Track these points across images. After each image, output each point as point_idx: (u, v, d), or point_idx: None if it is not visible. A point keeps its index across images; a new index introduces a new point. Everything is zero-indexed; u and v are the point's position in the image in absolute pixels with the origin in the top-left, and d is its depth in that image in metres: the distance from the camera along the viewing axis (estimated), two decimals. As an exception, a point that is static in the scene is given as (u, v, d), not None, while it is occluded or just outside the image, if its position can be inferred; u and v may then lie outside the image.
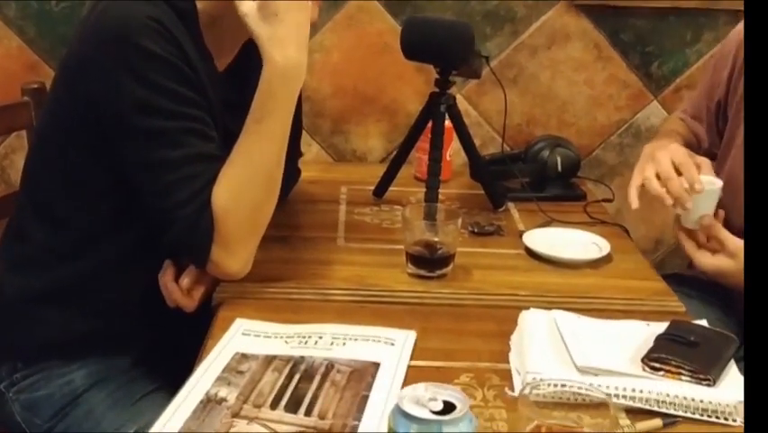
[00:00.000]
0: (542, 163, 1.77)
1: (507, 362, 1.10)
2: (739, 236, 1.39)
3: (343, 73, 1.89)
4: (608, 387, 0.99)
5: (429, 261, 1.31)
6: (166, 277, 1.27)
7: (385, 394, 0.99)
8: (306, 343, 1.10)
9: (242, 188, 1.19)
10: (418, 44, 1.41)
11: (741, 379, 1.02)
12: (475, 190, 1.72)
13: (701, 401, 0.98)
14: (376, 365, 1.05)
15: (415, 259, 1.32)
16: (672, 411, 0.98)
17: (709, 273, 1.42)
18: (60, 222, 1.29)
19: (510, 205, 1.67)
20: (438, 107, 1.50)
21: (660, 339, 1.08)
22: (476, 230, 1.52)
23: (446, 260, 1.31)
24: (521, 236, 1.49)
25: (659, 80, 1.93)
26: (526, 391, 0.96)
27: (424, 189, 1.72)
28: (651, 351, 1.05)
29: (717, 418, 0.98)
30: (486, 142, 1.94)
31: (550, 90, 1.92)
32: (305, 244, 1.43)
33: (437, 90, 1.51)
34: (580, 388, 0.96)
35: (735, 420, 0.97)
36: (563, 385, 0.97)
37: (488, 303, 1.27)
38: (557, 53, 1.91)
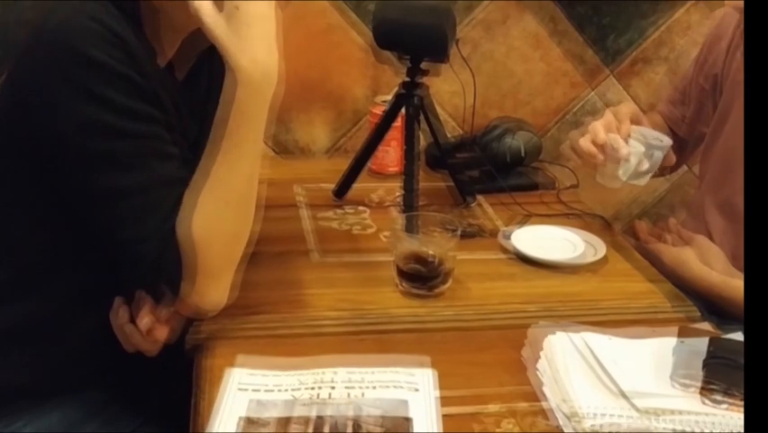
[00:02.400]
0: (504, 149, 1.66)
1: (543, 399, 0.99)
2: (736, 210, 1.41)
3: (282, 57, 1.70)
4: (663, 414, 0.90)
5: (426, 278, 1.17)
6: (120, 319, 1.09)
7: (430, 460, 0.86)
8: (318, 396, 0.95)
9: (220, 217, 1.01)
10: (396, 32, 1.26)
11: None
12: (434, 183, 1.60)
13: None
14: (407, 420, 0.91)
15: (409, 276, 1.18)
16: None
17: (669, 263, 1.39)
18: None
19: (480, 198, 1.55)
20: (412, 99, 1.35)
21: (712, 364, 0.98)
22: (456, 230, 1.39)
23: (445, 276, 1.18)
24: (505, 236, 1.38)
25: (615, 54, 1.85)
26: (583, 422, 0.87)
27: (383, 184, 1.60)
28: (707, 380, 0.96)
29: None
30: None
31: (505, 68, 1.80)
32: (275, 261, 1.26)
33: (409, 80, 1.36)
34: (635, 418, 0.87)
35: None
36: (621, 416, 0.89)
37: (496, 323, 1.15)
38: (512, 28, 1.78)
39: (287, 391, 0.96)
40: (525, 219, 1.47)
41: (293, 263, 1.26)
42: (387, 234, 1.38)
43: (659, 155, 1.35)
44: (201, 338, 1.08)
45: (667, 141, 1.38)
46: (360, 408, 0.93)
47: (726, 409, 0.93)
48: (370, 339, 1.10)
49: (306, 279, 1.22)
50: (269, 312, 1.12)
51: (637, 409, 0.92)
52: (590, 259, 1.31)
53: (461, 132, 1.78)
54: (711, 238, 1.47)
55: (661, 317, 1.20)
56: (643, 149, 1.34)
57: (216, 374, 1.00)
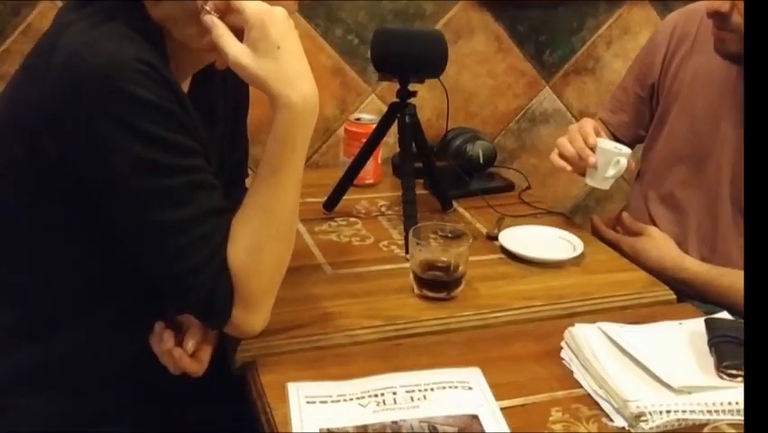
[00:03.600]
0: (467, 156, 1.68)
1: (577, 385, 1.01)
2: (678, 202, 1.51)
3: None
4: (710, 404, 0.93)
5: (445, 283, 1.17)
6: (167, 344, 1.04)
7: (509, 452, 0.86)
8: (384, 402, 0.94)
9: (263, 246, 0.98)
10: (395, 57, 1.25)
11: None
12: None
13: (789, 403, 0.95)
14: (474, 418, 0.91)
15: (428, 283, 1.18)
16: (767, 417, 0.94)
17: (628, 252, 1.45)
18: (21, 298, 1.02)
19: (454, 203, 1.56)
20: (404, 119, 1.35)
21: (717, 343, 1.03)
22: (450, 235, 1.39)
23: (459, 280, 1.19)
24: (489, 238, 1.40)
25: (550, 67, 1.90)
26: (650, 421, 0.89)
27: (362, 195, 1.59)
28: (721, 358, 1.00)
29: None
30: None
31: (457, 83, 1.82)
32: (294, 277, 1.21)
33: (398, 101, 1.35)
34: (697, 412, 0.89)
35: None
36: (684, 411, 0.91)
37: (510, 318, 1.17)
38: (463, 47, 1.80)
39: (351, 400, 0.94)
40: (500, 220, 1.49)
41: (309, 278, 1.23)
42: (385, 243, 1.37)
43: (624, 162, 1.41)
44: (248, 356, 1.05)
45: (626, 149, 1.45)
46: (427, 410, 0.92)
47: (741, 381, 0.98)
48: (406, 344, 1.10)
49: (328, 292, 1.19)
50: (306, 326, 1.10)
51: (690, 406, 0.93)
52: (573, 254, 1.34)
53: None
54: (656, 227, 1.54)
55: (645, 302, 1.24)
56: (609, 157, 1.40)
57: (279, 390, 0.97)
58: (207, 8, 0.95)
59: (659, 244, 1.47)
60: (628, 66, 1.70)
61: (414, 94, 1.35)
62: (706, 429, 0.84)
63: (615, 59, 1.93)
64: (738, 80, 1.42)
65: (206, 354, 1.06)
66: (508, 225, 1.45)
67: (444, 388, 0.97)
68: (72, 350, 1.04)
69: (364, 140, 1.51)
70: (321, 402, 0.94)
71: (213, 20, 0.94)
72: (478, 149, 1.69)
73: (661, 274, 1.38)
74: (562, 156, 1.46)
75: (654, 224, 1.55)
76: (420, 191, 1.59)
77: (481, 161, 1.70)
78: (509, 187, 1.67)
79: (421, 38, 1.24)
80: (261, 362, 1.03)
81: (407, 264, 1.29)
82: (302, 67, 0.96)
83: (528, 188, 1.68)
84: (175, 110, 0.93)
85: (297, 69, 0.95)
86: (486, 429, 0.89)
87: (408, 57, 1.23)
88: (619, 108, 1.66)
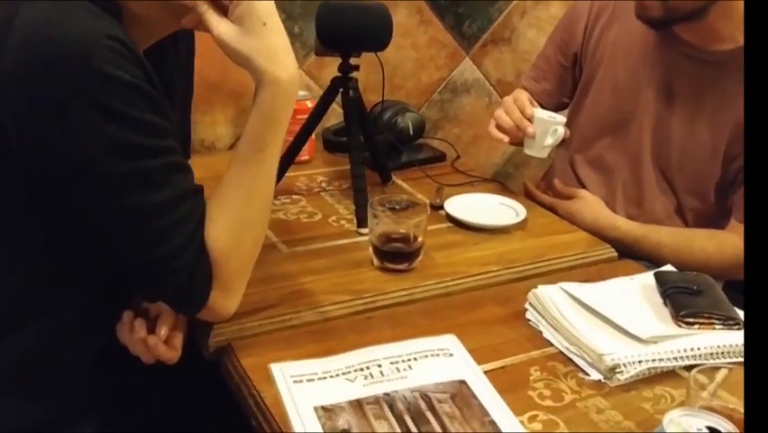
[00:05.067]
0: (398, 129, 1.69)
1: (547, 344, 1.04)
2: (605, 164, 1.57)
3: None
4: (675, 352, 0.98)
5: (406, 254, 1.18)
6: (140, 333, 1.00)
7: (504, 414, 0.88)
8: (371, 375, 0.93)
9: (244, 226, 0.96)
10: (341, 32, 1.23)
11: (753, 316, 1.06)
12: (344, 166, 1.59)
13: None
14: (462, 383, 0.93)
15: (389, 255, 1.18)
16: (724, 360, 1.00)
17: (564, 214, 1.51)
18: None
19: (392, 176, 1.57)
20: (348, 93, 1.33)
21: (671, 294, 1.08)
22: (397, 207, 1.39)
23: (419, 251, 1.20)
24: (434, 208, 1.41)
25: (470, 38, 1.92)
26: (625, 372, 0.93)
27: (300, 173, 1.58)
28: (677, 308, 1.05)
29: (756, 355, 1.02)
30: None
31: (381, 56, 1.81)
32: (251, 258, 1.21)
33: (340, 75, 1.34)
34: (665, 360, 0.95)
35: (765, 354, 1.02)
36: (653, 360, 0.96)
37: (472, 285, 1.19)
38: (386, 20, 1.79)
39: (338, 375, 0.94)
40: (441, 190, 1.51)
41: (268, 258, 1.20)
42: (334, 218, 1.37)
43: (561, 130, 1.45)
44: (222, 340, 1.02)
45: (561, 118, 1.48)
46: (415, 380, 0.93)
47: (698, 328, 1.03)
48: (377, 317, 1.10)
49: (290, 271, 1.17)
50: (276, 306, 1.08)
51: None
52: (517, 219, 1.37)
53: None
54: (586, 189, 1.60)
55: (591, 261, 1.29)
56: (546, 126, 1.44)
57: (262, 372, 0.95)
58: None
59: (592, 205, 1.53)
60: (542, 35, 1.75)
61: (356, 68, 1.34)
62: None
63: (529, 29, 1.97)
64: (657, 45, 1.48)
65: (179, 340, 1.02)
66: (449, 195, 1.47)
67: (427, 357, 0.97)
68: (32, 348, 0.98)
69: (299, 116, 1.49)
70: (308, 381, 0.93)
71: None
72: (408, 121, 1.70)
73: (595, 234, 1.43)
74: (499, 128, 1.49)
75: (584, 186, 1.61)
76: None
77: (411, 132, 1.71)
78: (442, 157, 1.69)
79: (366, 11, 1.23)
80: (237, 345, 1.01)
81: (361, 238, 1.30)
82: (286, 43, 0.93)
83: (458, 157, 1.71)
84: (147, 89, 0.88)
85: (282, 45, 0.92)
86: (476, 392, 0.91)
87: (355, 30, 1.22)
88: (542, 77, 1.70)
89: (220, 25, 0.90)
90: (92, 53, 0.84)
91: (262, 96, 0.93)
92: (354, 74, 1.35)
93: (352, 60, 1.34)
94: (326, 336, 1.03)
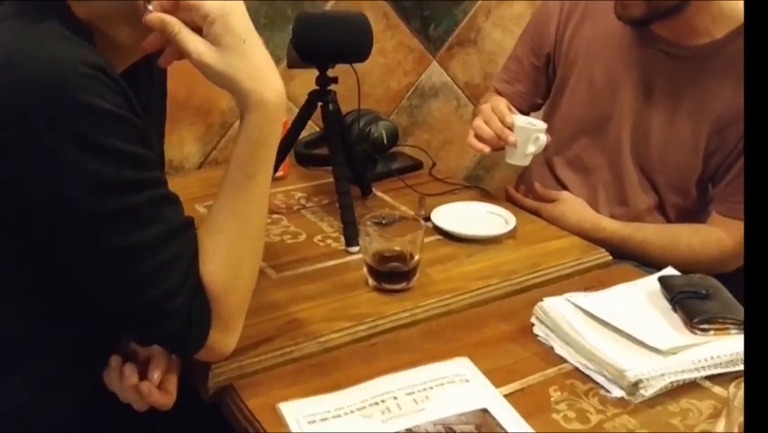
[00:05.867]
0: (372, 139, 1.63)
1: (561, 360, 1.00)
2: (585, 164, 1.55)
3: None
4: (696, 362, 0.95)
5: (404, 274, 1.13)
6: (131, 379, 0.93)
7: (534, 442, 0.84)
8: (388, 410, 0.88)
9: (241, 259, 0.90)
10: (321, 44, 1.16)
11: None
12: (321, 180, 1.54)
13: (761, 349, 0.99)
14: (485, 412, 0.88)
15: (386, 275, 1.13)
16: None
17: (548, 218, 1.48)
18: None
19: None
20: (327, 107, 1.28)
21: (680, 300, 1.05)
22: (383, 222, 1.34)
23: (416, 269, 1.15)
24: (419, 220, 1.36)
25: (436, 41, 1.87)
26: (649, 388, 0.90)
27: (277, 190, 1.51)
28: (690, 315, 1.02)
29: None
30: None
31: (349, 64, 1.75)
32: (240, 286, 1.14)
33: (319, 88, 1.28)
34: (687, 371, 0.92)
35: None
36: (676, 372, 0.93)
37: (473, 300, 1.14)
38: (352, 27, 1.73)
39: (353, 412, 0.88)
40: (423, 200, 1.46)
41: (257, 286, 1.10)
42: (319, 238, 1.31)
43: (543, 138, 1.41)
44: (222, 381, 0.95)
45: (542, 124, 1.45)
46: (435, 411, 0.88)
47: (714, 335, 1.01)
48: (381, 342, 1.04)
49: (283, 298, 1.11)
50: (274, 338, 1.02)
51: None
52: (508, 228, 1.33)
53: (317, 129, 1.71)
54: (567, 190, 1.57)
55: (587, 267, 1.26)
56: (528, 134, 1.40)
57: (270, 413, 0.89)
58: (151, 7, 0.83)
59: (575, 207, 1.51)
60: (507, 35, 1.71)
61: (335, 80, 1.29)
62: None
63: (494, 29, 1.94)
64: (633, 43, 1.46)
65: (173, 383, 0.95)
66: (431, 205, 1.42)
67: (443, 384, 0.93)
68: (14, 401, 0.91)
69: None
70: (322, 420, 0.87)
71: (160, 16, 0.83)
72: (381, 130, 1.65)
73: (580, 235, 1.40)
74: (479, 138, 1.45)
75: (564, 187, 1.58)
76: (330, 179, 1.54)
77: (386, 141, 1.66)
78: (419, 165, 1.64)
79: (346, 21, 1.17)
80: (238, 385, 0.95)
81: (351, 258, 1.24)
82: (269, 60, 0.87)
83: (435, 165, 1.66)
84: (130, 118, 0.81)
85: (265, 62, 0.86)
86: (500, 421, 0.86)
87: (335, 42, 1.16)
88: (515, 79, 1.67)
89: (197, 46, 0.83)
90: (69, 82, 0.76)
91: (249, 118, 0.87)
92: (332, 86, 1.29)
93: (331, 72, 1.29)
94: (332, 368, 0.98)
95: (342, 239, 1.28)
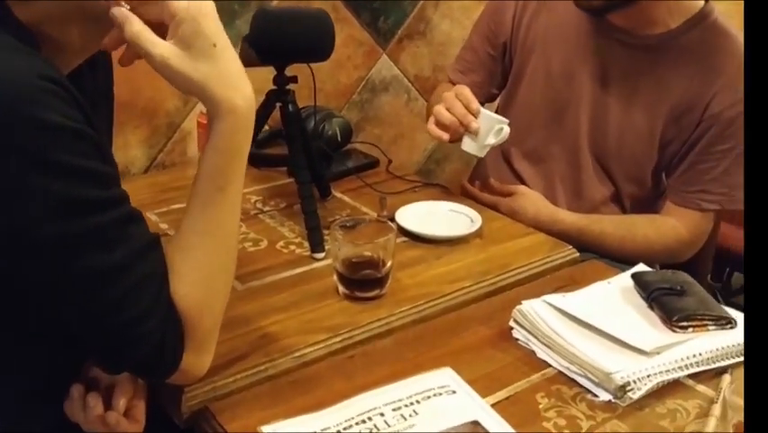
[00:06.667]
0: (327, 137, 1.59)
1: (544, 364, 0.98)
2: (542, 156, 1.54)
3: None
4: (680, 360, 0.95)
5: (377, 281, 1.09)
6: (96, 410, 0.87)
7: (530, 455, 0.82)
8: (376, 427, 0.85)
9: (214, 277, 0.85)
10: (282, 42, 1.11)
11: (740, 313, 1.04)
12: (276, 182, 1.49)
13: (740, 344, 0.99)
14: (476, 424, 0.86)
15: (359, 283, 1.09)
16: (727, 362, 0.98)
17: (506, 213, 1.46)
18: None
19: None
20: (287, 107, 1.23)
21: (657, 297, 1.05)
22: (347, 225, 1.29)
23: (389, 275, 1.11)
24: (389, 223, 1.33)
25: (385, 34, 1.84)
26: (636, 390, 0.89)
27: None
28: (669, 312, 1.02)
29: (751, 353, 1.00)
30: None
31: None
32: (204, 300, 1.08)
33: (277, 88, 1.23)
34: (672, 371, 0.92)
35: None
36: (662, 373, 0.92)
37: (447, 305, 1.12)
38: (301, 21, 1.68)
39: (338, 431, 0.85)
40: (384, 200, 1.43)
41: None
42: (282, 244, 1.26)
43: (507, 130, 1.39)
44: (197, 404, 0.91)
45: (505, 119, 1.41)
46: (424, 426, 0.85)
47: (693, 332, 1.01)
48: (358, 355, 1.01)
49: (251, 312, 1.06)
50: (248, 355, 0.97)
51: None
52: (475, 226, 1.31)
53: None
54: (523, 183, 1.56)
55: (557, 264, 1.25)
56: (491, 124, 1.38)
57: (251, 437, 0.85)
58: None
59: (533, 200, 1.50)
60: (456, 26, 1.69)
61: (294, 79, 1.24)
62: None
63: (443, 20, 1.91)
64: (590, 33, 1.46)
65: (141, 410, 0.90)
66: (392, 204, 1.39)
67: (429, 397, 0.90)
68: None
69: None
70: (308, 442, 0.83)
71: (124, 13, 0.77)
72: (335, 127, 1.62)
73: (538, 229, 1.39)
74: (439, 125, 1.41)
75: (522, 180, 1.57)
76: (285, 180, 1.50)
77: (340, 139, 1.62)
78: (376, 162, 1.61)
79: (308, 18, 1.12)
80: (215, 408, 0.90)
81: (317, 264, 1.20)
82: (239, 64, 0.82)
83: (391, 161, 1.63)
84: (89, 132, 0.75)
85: (237, 67, 0.81)
86: (494, 434, 0.84)
87: (298, 40, 1.11)
88: (470, 69, 1.64)
89: (160, 49, 0.77)
90: (25, 98, 0.70)
91: (220, 127, 0.82)
92: (291, 86, 1.24)
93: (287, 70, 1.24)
94: (312, 385, 0.94)
95: (306, 245, 1.24)
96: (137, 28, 0.78)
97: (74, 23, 0.80)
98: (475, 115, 1.38)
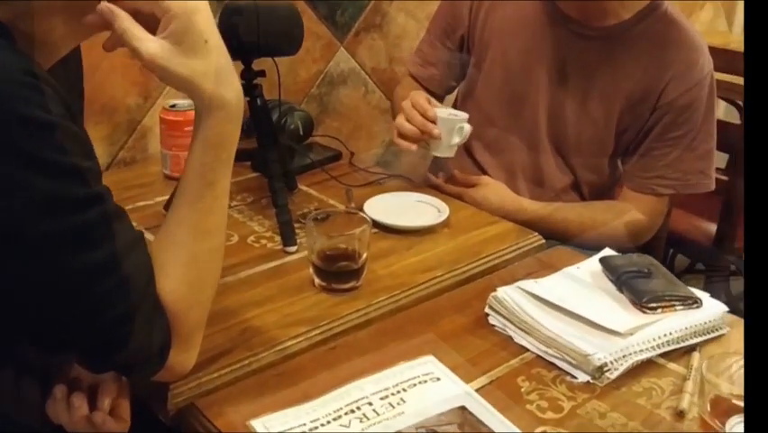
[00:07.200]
0: (289, 130, 1.59)
1: (522, 349, 1.01)
2: (502, 147, 1.56)
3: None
4: (652, 340, 0.98)
5: (354, 272, 1.10)
6: (81, 410, 0.86)
7: (518, 436, 0.84)
8: (366, 417, 0.86)
9: (201, 272, 0.85)
10: (250, 36, 1.11)
11: (704, 293, 1.09)
12: (240, 177, 1.48)
13: (707, 322, 1.03)
14: (463, 409, 0.87)
15: (336, 275, 1.10)
16: (695, 340, 1.01)
17: (471, 203, 1.48)
18: None
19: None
20: (255, 101, 1.22)
21: (627, 281, 1.08)
22: (319, 217, 1.29)
23: (365, 266, 1.12)
24: (365, 216, 1.33)
25: (343, 27, 1.84)
26: (613, 370, 0.92)
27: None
28: (638, 294, 1.05)
29: (717, 330, 1.04)
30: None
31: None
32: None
33: (244, 82, 1.22)
34: (645, 350, 0.95)
35: (722, 328, 1.05)
36: (636, 353, 0.96)
37: (421, 294, 1.14)
38: (259, 15, 1.67)
39: (329, 422, 0.86)
40: (350, 193, 1.43)
41: None
42: (253, 238, 1.26)
43: (468, 127, 1.41)
44: (183, 400, 0.90)
45: (463, 114, 1.45)
46: (414, 414, 0.87)
47: (662, 312, 1.04)
48: (340, 346, 1.02)
49: (230, 306, 1.06)
50: (231, 351, 0.97)
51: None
52: (443, 216, 1.33)
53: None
54: (485, 173, 1.59)
55: (525, 251, 1.28)
56: (452, 125, 1.40)
57: (241, 430, 0.85)
58: None
59: (496, 190, 1.53)
60: (411, 19, 1.70)
61: (261, 73, 1.23)
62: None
63: (398, 14, 1.92)
64: (546, 24, 1.49)
65: (126, 409, 0.89)
66: (358, 196, 1.40)
67: (415, 385, 0.91)
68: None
69: (187, 128, 1.37)
70: (300, 433, 0.84)
71: (111, 8, 0.76)
72: (297, 120, 1.61)
73: (503, 218, 1.42)
74: (403, 136, 1.43)
75: (483, 170, 1.60)
76: (250, 174, 1.49)
77: (302, 132, 1.62)
78: (338, 155, 1.61)
79: (277, 12, 1.12)
80: (201, 404, 0.90)
81: (289, 258, 1.21)
82: (229, 61, 0.82)
83: (353, 154, 1.64)
84: (73, 129, 0.74)
85: (227, 63, 0.81)
86: (481, 418, 0.86)
87: (266, 34, 1.11)
88: (428, 62, 1.66)
89: (149, 45, 0.77)
90: (11, 95, 0.69)
91: (209, 123, 0.82)
92: (259, 80, 1.24)
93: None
94: (297, 378, 0.94)
95: (277, 238, 1.24)
96: (126, 24, 0.77)
97: (55, 18, 0.79)
98: (433, 121, 1.40)
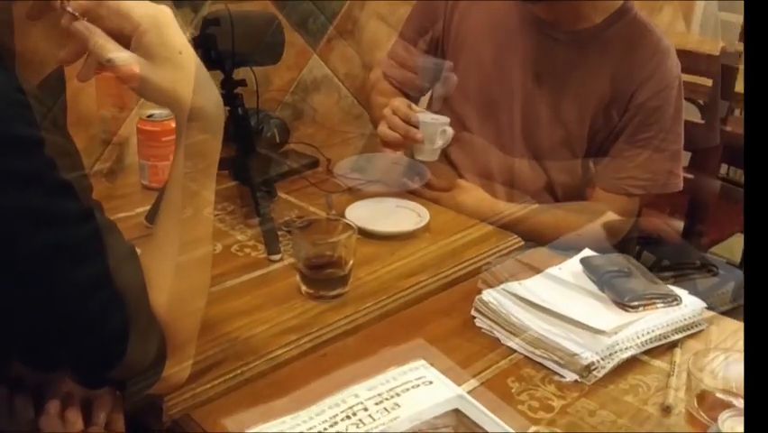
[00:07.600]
0: (266, 138, 1.59)
1: (511, 351, 1.03)
2: (479, 149, 1.57)
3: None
4: (636, 338, 1.01)
5: (341, 279, 1.11)
6: (76, 426, 0.86)
7: (513, 437, 0.85)
8: (362, 422, 0.87)
9: (191, 283, 0.85)
10: (237, 47, 1.11)
11: (683, 290, 1.11)
12: (218, 186, 1.47)
13: (687, 319, 1.06)
14: (458, 412, 0.89)
15: (323, 282, 1.10)
16: (677, 336, 1.04)
17: (448, 207, 1.49)
18: None
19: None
20: (236, 111, 1.22)
21: (608, 280, 1.11)
22: (302, 225, 1.29)
23: (351, 273, 1.13)
24: (350, 223, 1.34)
25: (315, 34, 1.85)
26: (600, 369, 0.94)
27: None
28: (621, 293, 1.08)
29: (696, 326, 1.07)
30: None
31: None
32: (168, 309, 1.08)
33: (224, 92, 1.22)
34: (630, 348, 0.97)
35: (701, 324, 1.08)
36: (621, 351, 0.98)
37: (408, 299, 1.15)
38: (233, 23, 1.67)
39: (326, 429, 0.86)
40: (330, 200, 1.44)
41: None
42: (236, 248, 1.26)
43: (450, 130, 1.43)
44: (178, 412, 0.90)
45: (444, 118, 1.46)
46: (409, 418, 0.88)
47: (644, 310, 1.07)
48: (330, 353, 1.02)
49: (218, 316, 1.06)
50: (223, 361, 0.97)
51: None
52: (423, 221, 1.35)
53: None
54: (461, 176, 1.60)
55: (505, 253, 1.30)
56: (434, 129, 1.41)
57: (238, 441, 0.85)
58: (69, 9, 0.76)
59: (472, 193, 1.54)
60: (382, 24, 1.72)
61: (242, 83, 1.24)
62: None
63: (369, 20, 1.93)
64: (520, 27, 1.51)
65: (120, 423, 0.89)
66: (338, 203, 1.41)
67: (408, 390, 0.92)
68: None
69: (165, 138, 1.37)
70: (295, 442, 0.85)
71: (86, 26, 0.76)
72: (273, 128, 1.62)
73: (480, 221, 1.44)
74: (388, 144, 1.45)
75: (460, 174, 1.61)
76: (229, 183, 1.49)
77: (278, 139, 1.63)
78: (316, 162, 1.62)
79: (256, 21, 1.13)
80: (197, 415, 0.90)
81: (274, 266, 1.21)
82: (205, 70, 0.82)
83: (330, 160, 1.64)
84: (62, 143, 0.76)
85: (203, 73, 0.81)
86: (475, 420, 0.87)
87: (251, 45, 1.11)
88: (404, 64, 1.67)
89: (126, 58, 0.77)
90: (4, 114, 0.69)
91: (191, 134, 0.82)
92: (239, 89, 1.24)
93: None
94: (290, 386, 0.95)
95: (261, 247, 1.24)
96: (102, 41, 0.77)
97: (35, 36, 0.79)
98: (416, 126, 1.41)
